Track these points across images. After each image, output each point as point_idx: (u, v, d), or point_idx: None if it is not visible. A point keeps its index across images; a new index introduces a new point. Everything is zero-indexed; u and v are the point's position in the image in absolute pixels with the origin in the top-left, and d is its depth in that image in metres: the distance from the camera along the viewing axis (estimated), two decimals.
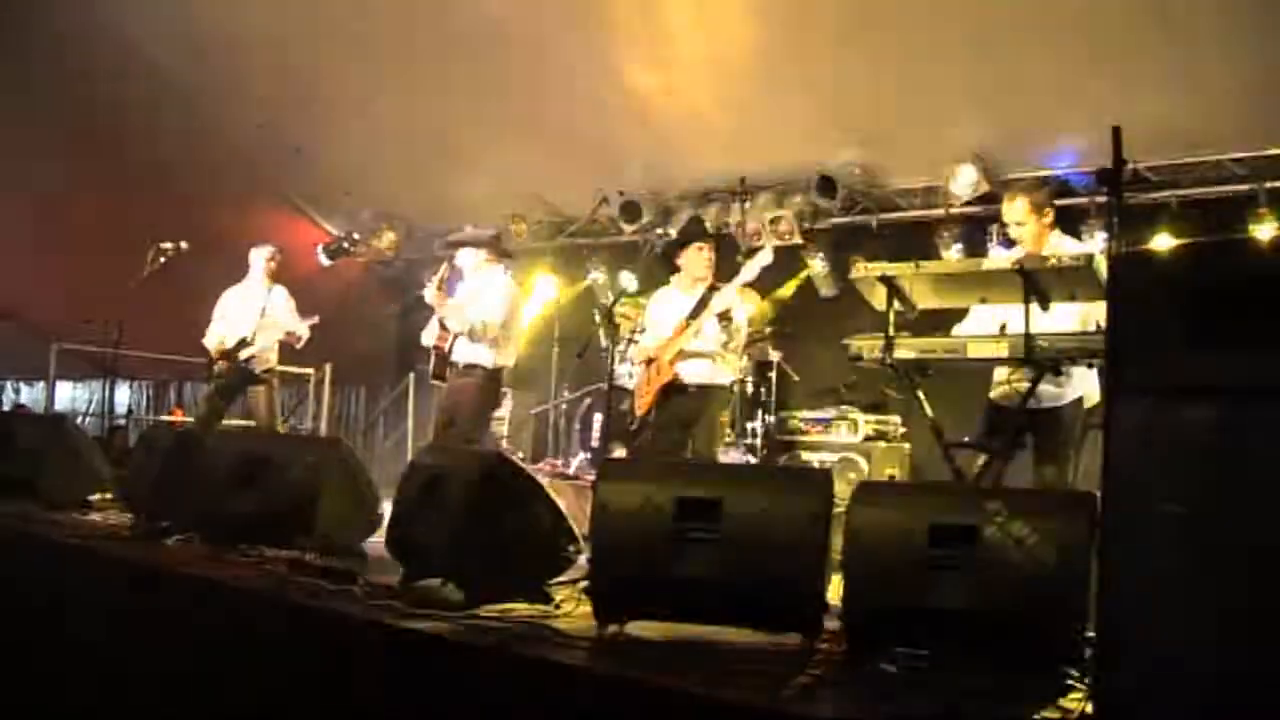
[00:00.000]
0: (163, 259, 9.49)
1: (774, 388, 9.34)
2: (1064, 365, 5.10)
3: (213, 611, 4.93)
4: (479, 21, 9.63)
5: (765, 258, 7.26)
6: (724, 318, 7.19)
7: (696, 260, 7.44)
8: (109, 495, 7.43)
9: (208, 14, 10.39)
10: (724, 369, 7.37)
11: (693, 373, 7.23)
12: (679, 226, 10.97)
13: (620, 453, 8.82)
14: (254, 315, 9.26)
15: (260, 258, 9.51)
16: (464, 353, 7.97)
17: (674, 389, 7.23)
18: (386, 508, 5.67)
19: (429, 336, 8.18)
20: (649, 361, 7.42)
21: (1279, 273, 2.91)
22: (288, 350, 9.55)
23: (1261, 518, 2.69)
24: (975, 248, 9.63)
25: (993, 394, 5.77)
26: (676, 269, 7.58)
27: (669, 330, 7.34)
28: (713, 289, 7.34)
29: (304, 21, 10.16)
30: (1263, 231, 8.54)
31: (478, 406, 8.16)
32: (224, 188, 12.06)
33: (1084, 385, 5.54)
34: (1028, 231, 5.83)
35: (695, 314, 7.25)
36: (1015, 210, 5.88)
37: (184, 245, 9.53)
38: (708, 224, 10.50)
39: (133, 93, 11.15)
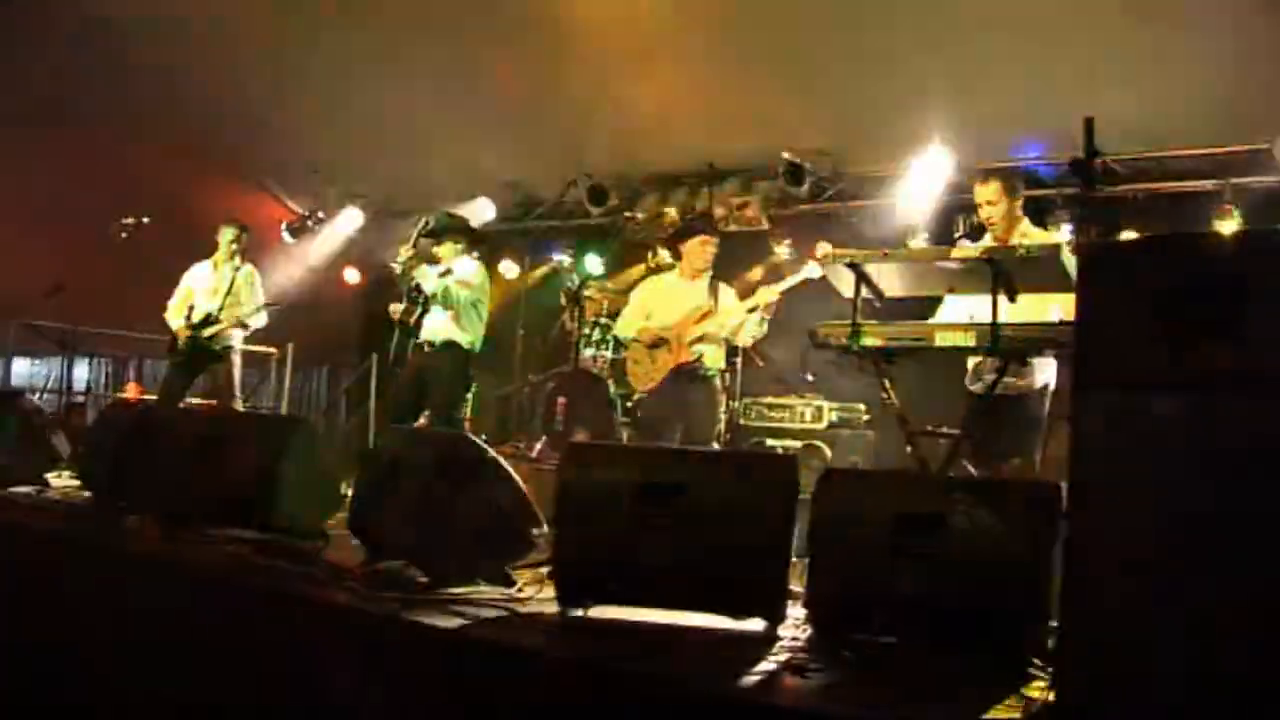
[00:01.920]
0: (124, 234, 9.40)
1: (740, 373, 9.34)
2: (1030, 355, 5.14)
3: (172, 592, 4.88)
4: (448, 1, 9.58)
5: (812, 271, 7.30)
6: (764, 311, 7.42)
7: (700, 252, 7.68)
8: (66, 473, 7.35)
9: None
10: (722, 356, 7.73)
11: (709, 357, 7.51)
12: (646, 211, 11.00)
13: (583, 436, 8.84)
14: (221, 292, 9.21)
15: (227, 236, 9.44)
16: (437, 329, 8.03)
17: (686, 371, 7.47)
18: (348, 488, 5.64)
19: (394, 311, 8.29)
20: (656, 343, 7.55)
21: (1244, 266, 2.91)
22: (250, 328, 9.49)
23: (1227, 508, 2.70)
24: (942, 237, 9.64)
25: (968, 386, 5.83)
26: (678, 255, 7.90)
27: (678, 315, 7.55)
28: (716, 280, 7.69)
29: None
30: (1227, 226, 8.60)
31: (457, 385, 8.26)
32: (188, 163, 11.94)
33: (1048, 373, 5.58)
34: (998, 212, 5.92)
35: (715, 303, 7.55)
36: (988, 191, 5.97)
37: (145, 220, 9.44)
38: (673, 212, 10.55)
39: (95, 64, 11.01)
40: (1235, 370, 2.78)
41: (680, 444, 7.29)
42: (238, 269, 9.36)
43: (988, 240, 5.99)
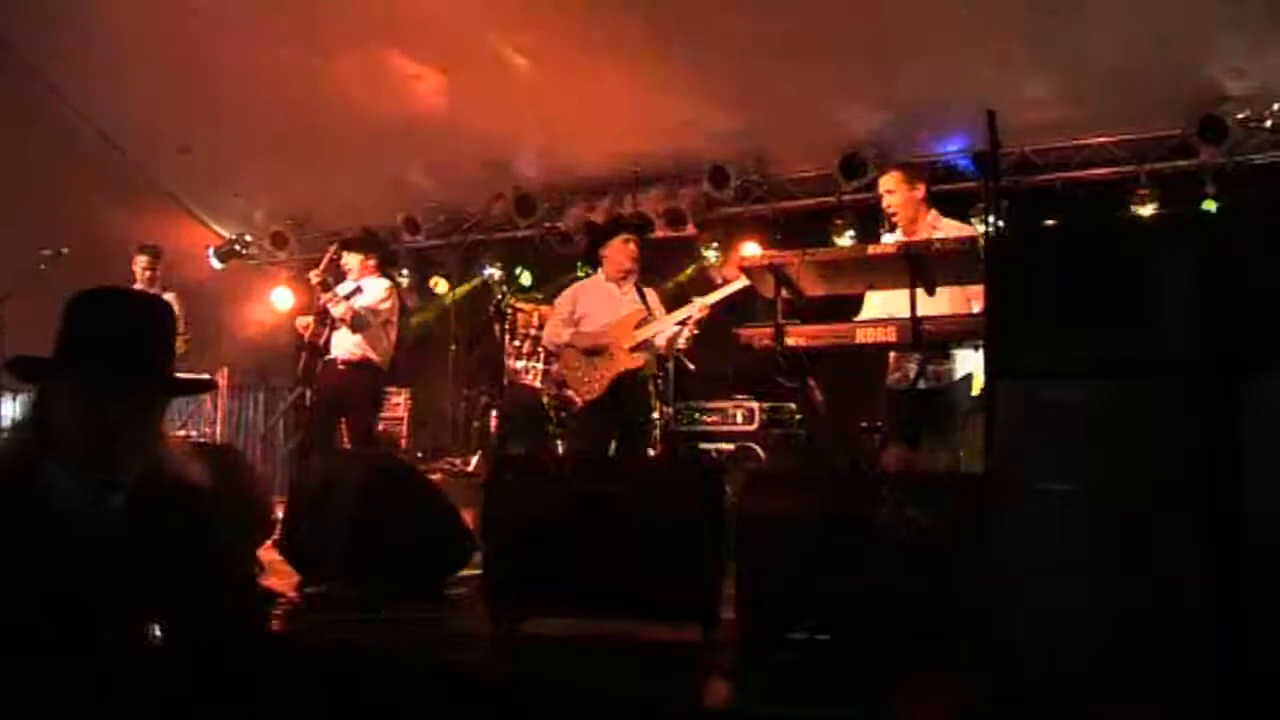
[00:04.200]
0: (42, 265, 9.27)
1: (672, 379, 9.32)
2: (951, 348, 5.19)
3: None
4: (367, 16, 9.53)
5: (740, 284, 7.28)
6: (693, 324, 7.36)
7: (622, 252, 7.56)
8: None
9: (86, 10, 10.16)
10: (655, 363, 7.61)
11: (650, 364, 7.46)
12: (572, 220, 11.00)
13: (518, 449, 8.82)
14: None
15: (140, 263, 9.37)
16: (347, 347, 7.98)
17: (627, 379, 7.33)
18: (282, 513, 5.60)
19: (302, 325, 8.23)
20: (594, 350, 7.43)
21: (1152, 252, 2.95)
22: (182, 355, 9.39)
23: (1137, 492, 2.74)
24: (868, 234, 9.70)
25: (888, 380, 5.86)
26: (599, 260, 7.71)
27: (613, 321, 7.42)
28: (640, 285, 7.57)
29: (186, 19, 9.97)
30: (1145, 211, 8.74)
31: (372, 404, 8.21)
32: (109, 191, 11.79)
33: (971, 364, 5.62)
34: (898, 201, 5.96)
35: (647, 307, 7.44)
36: (888, 180, 6.07)
37: (64, 250, 9.31)
38: (599, 220, 10.54)
39: (6, 91, 10.86)
40: (1144, 356, 2.82)
41: (616, 452, 7.28)
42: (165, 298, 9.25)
43: (897, 233, 6.05)
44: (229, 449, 7.32)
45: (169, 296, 9.23)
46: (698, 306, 7.31)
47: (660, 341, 7.44)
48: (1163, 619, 2.66)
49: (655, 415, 8.09)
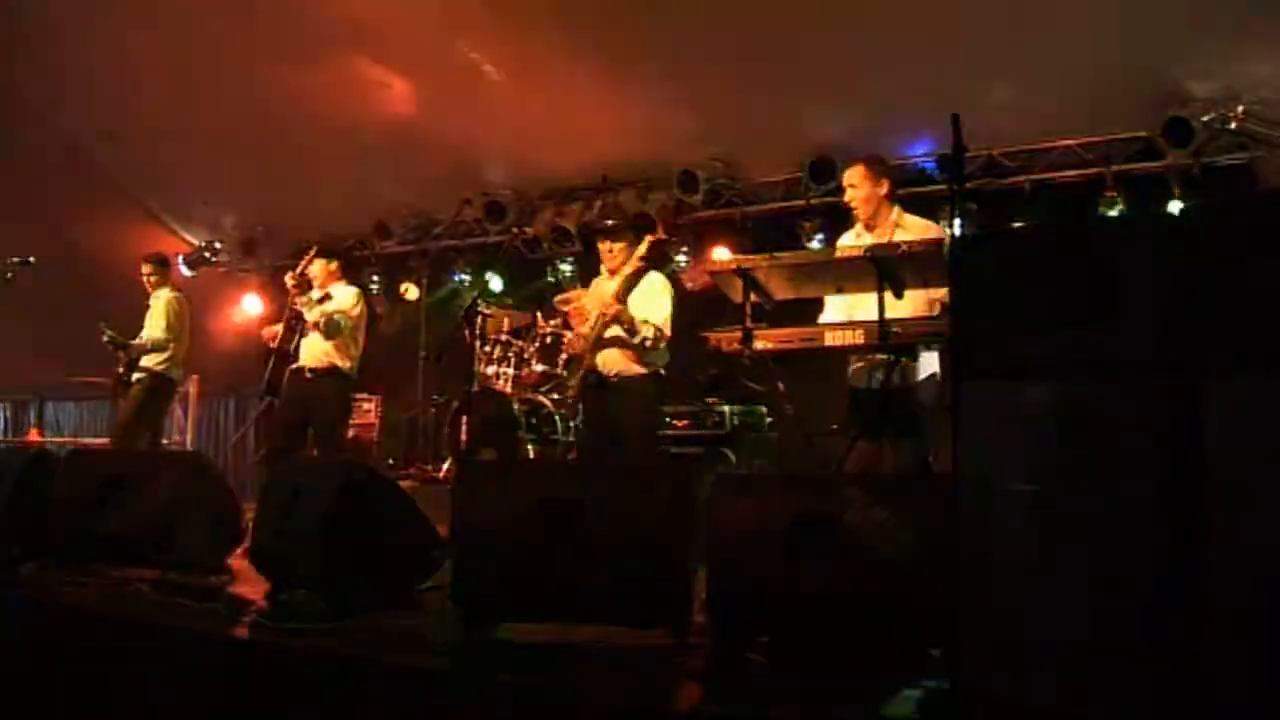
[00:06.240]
0: (9, 274, 9.23)
1: None
2: (919, 349, 5.21)
3: (72, 636, 4.79)
4: (334, 25, 9.51)
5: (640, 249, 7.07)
6: (610, 318, 6.78)
7: (602, 253, 7.12)
8: None
9: (50, 18, 10.12)
10: (642, 359, 6.89)
11: (611, 363, 6.83)
12: (542, 225, 11.01)
13: (489, 454, 8.79)
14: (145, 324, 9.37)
15: (144, 271, 9.64)
16: (316, 355, 7.98)
17: (592, 379, 6.83)
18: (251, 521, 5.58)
19: (268, 334, 8.26)
20: (571, 358, 7.26)
21: (1114, 253, 2.97)
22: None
23: (1103, 492, 2.76)
24: (838, 238, 9.71)
25: (850, 379, 5.86)
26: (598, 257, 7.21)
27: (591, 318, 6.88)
28: (638, 275, 6.88)
29: (152, 25, 9.94)
30: (1112, 213, 8.80)
31: (340, 412, 8.19)
32: (77, 199, 11.75)
33: (935, 364, 5.62)
34: (861, 196, 5.93)
35: (621, 299, 6.78)
36: (852, 174, 6.01)
37: (32, 260, 9.28)
38: (569, 225, 10.53)
39: None
40: (1109, 357, 2.84)
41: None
42: (156, 299, 9.39)
43: (858, 229, 6.04)
44: (199, 456, 7.29)
45: (164, 296, 9.31)
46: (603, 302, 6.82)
47: (640, 332, 6.74)
48: (1128, 618, 2.68)
49: (649, 417, 7.37)
